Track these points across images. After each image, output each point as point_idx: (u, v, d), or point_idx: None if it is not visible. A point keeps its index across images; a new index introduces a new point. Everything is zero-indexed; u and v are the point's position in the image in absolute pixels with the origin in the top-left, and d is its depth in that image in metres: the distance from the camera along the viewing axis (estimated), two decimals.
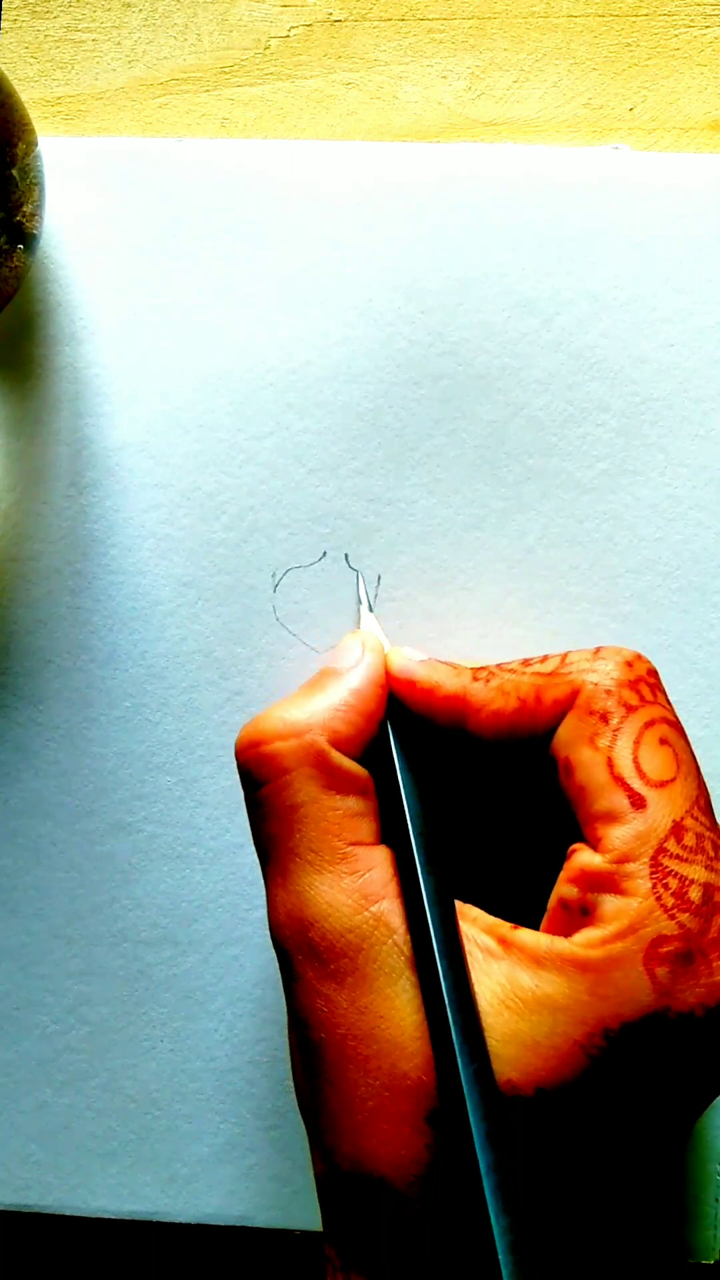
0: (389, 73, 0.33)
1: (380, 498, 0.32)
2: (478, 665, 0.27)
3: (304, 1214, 0.32)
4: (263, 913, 0.32)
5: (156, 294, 0.32)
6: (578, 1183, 0.23)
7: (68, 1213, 0.33)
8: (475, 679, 0.27)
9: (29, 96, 0.33)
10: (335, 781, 0.25)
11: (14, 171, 0.28)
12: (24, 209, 0.29)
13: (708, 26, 0.33)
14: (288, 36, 0.33)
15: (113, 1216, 0.33)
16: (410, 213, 0.32)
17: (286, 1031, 0.26)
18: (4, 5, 0.33)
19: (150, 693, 0.32)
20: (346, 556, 0.32)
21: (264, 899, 0.32)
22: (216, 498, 0.32)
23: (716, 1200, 0.32)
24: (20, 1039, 0.33)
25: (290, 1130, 0.32)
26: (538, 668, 0.26)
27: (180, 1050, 0.33)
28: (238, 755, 0.26)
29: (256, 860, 0.32)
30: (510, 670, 0.26)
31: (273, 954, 0.32)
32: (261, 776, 0.26)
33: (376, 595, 0.32)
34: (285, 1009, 0.31)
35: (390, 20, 0.33)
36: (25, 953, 0.33)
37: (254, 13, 0.33)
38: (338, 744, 0.26)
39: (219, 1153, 0.32)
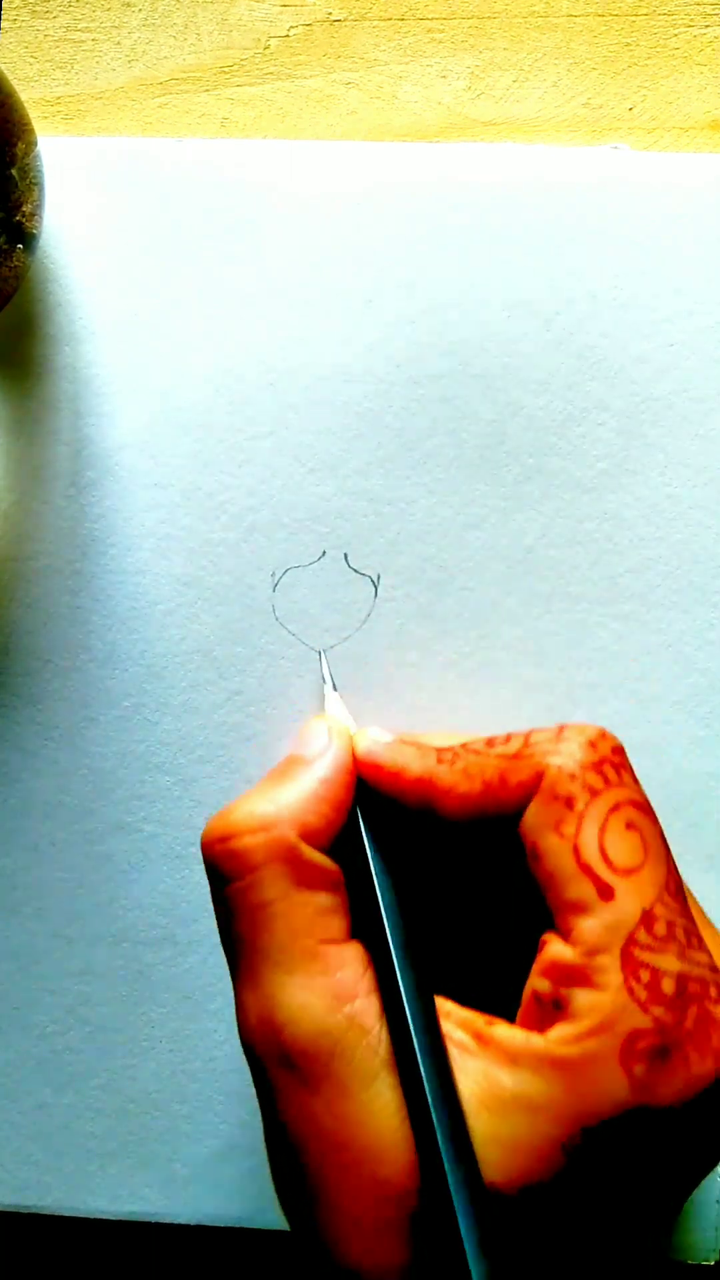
0: (389, 73, 0.33)
1: (380, 498, 0.32)
2: (444, 745, 0.27)
3: None
4: None
5: (156, 294, 0.32)
6: (563, 1273, 0.23)
7: (67, 1213, 0.33)
8: (440, 760, 0.26)
9: (29, 96, 0.33)
10: (306, 877, 0.25)
11: (14, 171, 0.28)
12: (24, 209, 0.29)
13: (707, 26, 0.33)
14: (287, 36, 0.33)
15: (112, 1217, 0.33)
16: (410, 213, 0.32)
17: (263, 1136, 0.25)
18: (4, 5, 0.33)
19: (150, 692, 0.32)
20: (346, 556, 0.32)
21: None
22: (216, 498, 0.32)
23: (717, 1200, 0.32)
24: (20, 1039, 0.33)
25: None
26: (501, 749, 0.26)
27: (180, 1050, 0.33)
28: (204, 849, 0.26)
29: None
30: (475, 751, 0.26)
31: None
32: (230, 873, 0.25)
33: (377, 595, 0.32)
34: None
35: (390, 20, 0.33)
36: (25, 953, 0.33)
37: (254, 13, 0.33)
38: (308, 837, 0.25)
39: (218, 1154, 0.32)
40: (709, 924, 0.26)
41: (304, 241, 0.32)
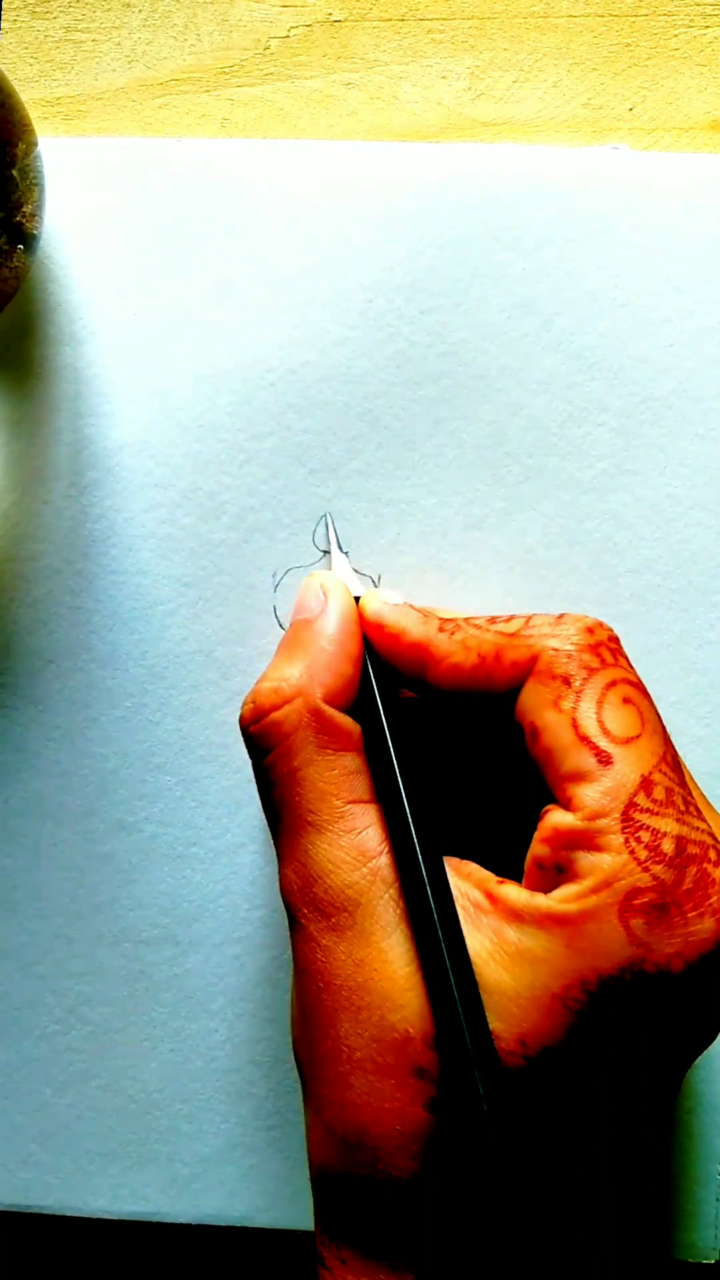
0: (389, 73, 0.33)
1: (380, 498, 0.32)
2: (451, 616, 0.28)
3: (304, 1215, 0.32)
4: (263, 912, 0.32)
5: (156, 294, 0.32)
6: (569, 1147, 0.24)
7: (68, 1213, 0.33)
8: (441, 629, 0.27)
9: (29, 96, 0.33)
10: (331, 740, 0.26)
11: (14, 171, 0.28)
12: (24, 209, 0.29)
13: (707, 26, 0.33)
14: (287, 36, 0.33)
15: (113, 1217, 0.33)
16: (410, 213, 0.32)
17: (290, 989, 0.27)
18: (4, 5, 0.33)
19: (151, 693, 0.32)
20: (347, 556, 0.32)
21: (265, 898, 0.32)
22: (216, 498, 0.32)
23: (717, 1200, 0.32)
24: (21, 1039, 0.33)
25: (291, 1131, 0.32)
26: (501, 627, 0.26)
27: (180, 1050, 0.33)
28: (242, 728, 0.27)
29: (255, 860, 0.33)
30: (476, 625, 0.27)
31: (273, 953, 0.32)
32: (265, 745, 0.27)
33: None
34: (286, 1006, 0.31)
35: (390, 20, 0.33)
36: (25, 953, 0.33)
37: (254, 13, 0.33)
38: (329, 698, 0.27)
39: (219, 1153, 0.32)
40: (709, 805, 0.26)
41: (304, 241, 0.32)
